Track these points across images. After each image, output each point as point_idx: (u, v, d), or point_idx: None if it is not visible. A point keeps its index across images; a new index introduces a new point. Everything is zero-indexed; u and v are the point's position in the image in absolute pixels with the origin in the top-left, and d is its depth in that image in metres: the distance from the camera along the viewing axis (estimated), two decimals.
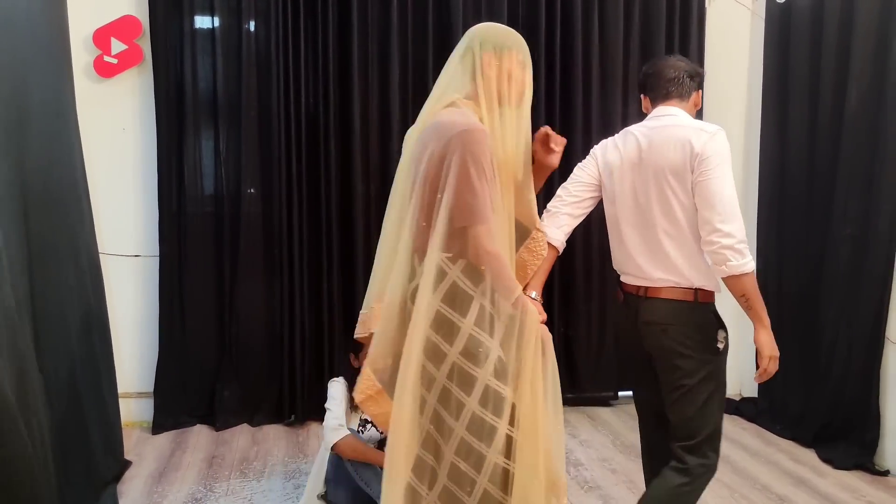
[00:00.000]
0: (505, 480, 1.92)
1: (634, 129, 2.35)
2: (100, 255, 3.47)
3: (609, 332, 4.35)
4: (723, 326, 2.26)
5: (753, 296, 2.15)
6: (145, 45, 3.79)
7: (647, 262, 2.26)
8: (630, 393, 4.31)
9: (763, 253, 4.24)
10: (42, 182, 2.73)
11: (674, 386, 2.27)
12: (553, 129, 2.22)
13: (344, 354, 3.35)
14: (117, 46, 3.76)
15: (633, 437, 3.85)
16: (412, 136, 2.08)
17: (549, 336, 1.99)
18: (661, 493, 2.28)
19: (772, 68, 4.17)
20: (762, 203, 4.25)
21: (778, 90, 4.13)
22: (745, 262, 2.10)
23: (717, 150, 2.11)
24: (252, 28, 3.86)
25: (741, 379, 4.53)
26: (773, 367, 2.20)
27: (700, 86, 2.39)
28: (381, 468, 2.87)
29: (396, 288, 1.99)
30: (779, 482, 3.34)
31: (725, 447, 3.71)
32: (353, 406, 3.04)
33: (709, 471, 2.30)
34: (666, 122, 2.27)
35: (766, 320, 2.20)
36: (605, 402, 4.39)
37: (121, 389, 3.80)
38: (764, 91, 4.23)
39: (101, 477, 3.09)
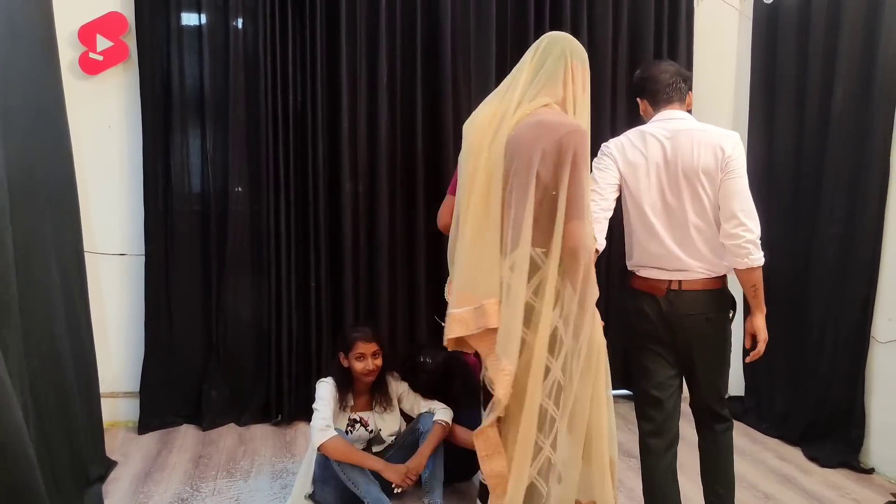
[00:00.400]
0: (546, 470, 2.13)
1: (650, 130, 2.48)
2: (86, 253, 3.44)
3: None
4: (733, 301, 2.53)
5: (761, 285, 2.42)
6: (131, 41, 3.76)
7: (685, 254, 2.43)
8: (622, 392, 4.40)
9: None
10: (26, 179, 2.70)
11: (709, 360, 2.53)
12: None
13: (332, 354, 3.34)
14: (103, 43, 3.73)
15: (622, 436, 3.84)
16: (485, 128, 2.20)
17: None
18: (728, 447, 2.64)
19: (759, 68, 4.20)
20: None
21: (765, 90, 4.15)
22: (761, 255, 2.36)
23: (741, 153, 2.37)
24: (240, 25, 3.84)
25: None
26: (763, 350, 2.50)
27: (690, 87, 2.58)
28: (367, 470, 2.88)
29: (520, 282, 2.10)
30: (765, 480, 3.36)
31: None
32: (341, 406, 3.03)
33: None
34: (680, 125, 2.44)
35: (763, 306, 2.48)
36: None
37: (107, 389, 3.78)
38: (751, 91, 4.25)
39: (86, 477, 3.06)
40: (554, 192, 2.09)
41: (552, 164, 2.08)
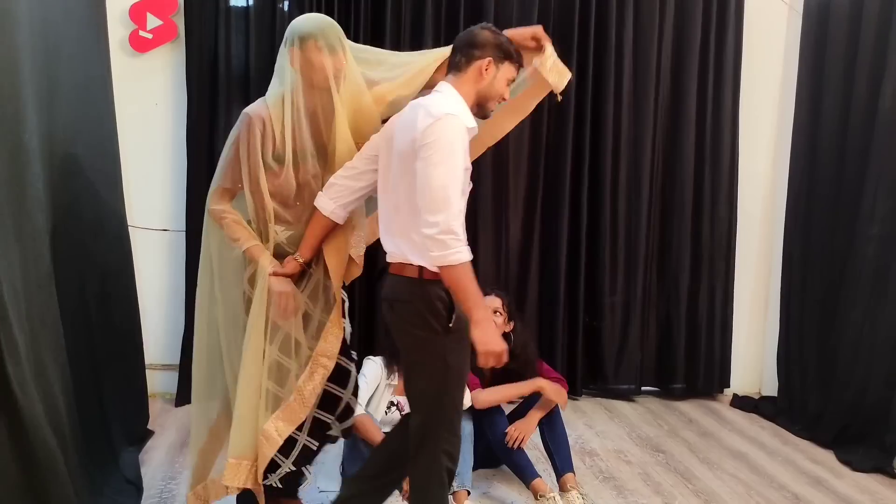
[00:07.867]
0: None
1: (413, 101, 2.26)
2: (129, 227, 3.51)
3: (634, 326, 4.34)
4: (449, 305, 2.16)
5: (457, 288, 2.06)
6: (180, 21, 3.82)
7: (387, 235, 2.26)
8: (652, 388, 4.40)
9: (788, 249, 4.22)
10: (66, 151, 2.75)
11: (406, 362, 2.37)
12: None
13: (384, 331, 3.34)
14: (153, 22, 3.79)
15: (650, 430, 3.86)
16: None
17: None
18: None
19: (807, 64, 4.12)
20: (790, 199, 4.21)
21: (812, 86, 4.08)
22: (447, 253, 2.02)
23: (436, 137, 2.04)
24: (286, 8, 3.87)
25: (761, 377, 4.51)
26: (488, 362, 2.08)
27: (495, 56, 2.20)
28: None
29: None
30: (796, 482, 3.33)
31: (744, 444, 3.71)
32: (387, 382, 3.07)
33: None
34: (422, 99, 2.19)
35: (478, 314, 2.07)
36: (626, 397, 4.37)
37: (147, 361, 3.86)
38: (798, 86, 4.17)
39: (124, 443, 3.13)
40: None
41: None
